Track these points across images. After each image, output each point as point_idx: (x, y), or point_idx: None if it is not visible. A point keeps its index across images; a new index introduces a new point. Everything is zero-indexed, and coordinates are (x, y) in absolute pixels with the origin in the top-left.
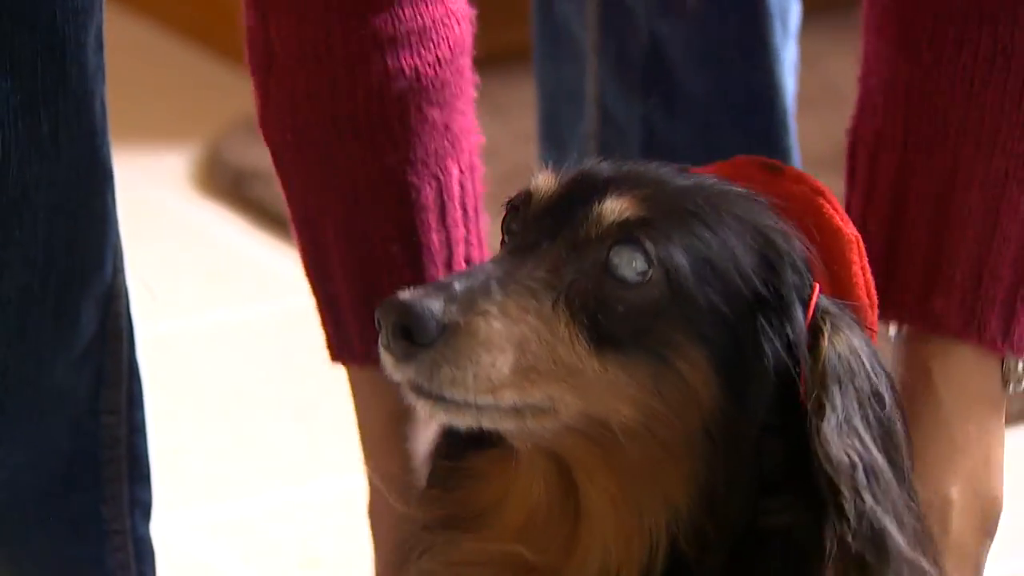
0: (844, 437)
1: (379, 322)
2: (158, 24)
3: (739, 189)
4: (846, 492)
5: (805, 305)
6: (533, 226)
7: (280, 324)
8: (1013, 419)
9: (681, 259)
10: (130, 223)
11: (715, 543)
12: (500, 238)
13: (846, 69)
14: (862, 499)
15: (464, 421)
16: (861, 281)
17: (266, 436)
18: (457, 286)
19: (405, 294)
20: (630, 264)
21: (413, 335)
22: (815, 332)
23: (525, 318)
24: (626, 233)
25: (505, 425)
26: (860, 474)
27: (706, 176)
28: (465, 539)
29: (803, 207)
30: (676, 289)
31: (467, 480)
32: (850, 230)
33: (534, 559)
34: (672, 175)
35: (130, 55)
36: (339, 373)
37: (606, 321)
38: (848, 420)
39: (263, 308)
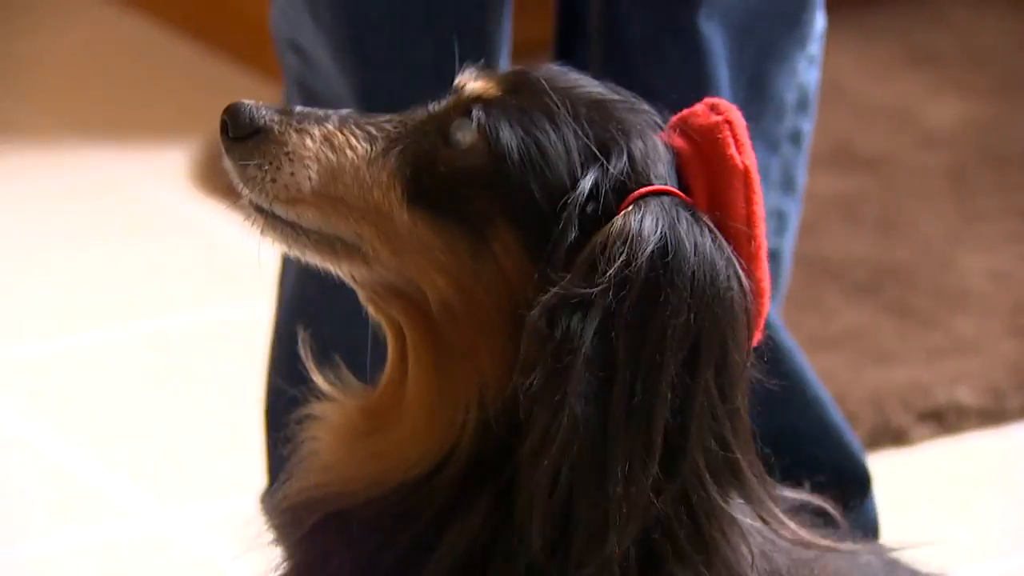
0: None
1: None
2: (158, 22)
3: (620, 97)
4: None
5: (611, 200)
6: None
7: None
8: (1013, 417)
9: (509, 138)
10: (130, 220)
11: (516, 436)
12: None
13: (846, 69)
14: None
15: (280, 239)
16: (741, 211)
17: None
18: (300, 110)
19: (244, 100)
20: (461, 131)
21: (229, 129)
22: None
23: (346, 152)
24: (470, 106)
25: (318, 256)
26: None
27: (595, 83)
28: (319, 406)
29: (704, 134)
30: (497, 164)
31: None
32: (742, 161)
33: (368, 425)
34: (572, 80)
35: (130, 53)
36: None
37: (427, 179)
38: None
39: (263, 305)
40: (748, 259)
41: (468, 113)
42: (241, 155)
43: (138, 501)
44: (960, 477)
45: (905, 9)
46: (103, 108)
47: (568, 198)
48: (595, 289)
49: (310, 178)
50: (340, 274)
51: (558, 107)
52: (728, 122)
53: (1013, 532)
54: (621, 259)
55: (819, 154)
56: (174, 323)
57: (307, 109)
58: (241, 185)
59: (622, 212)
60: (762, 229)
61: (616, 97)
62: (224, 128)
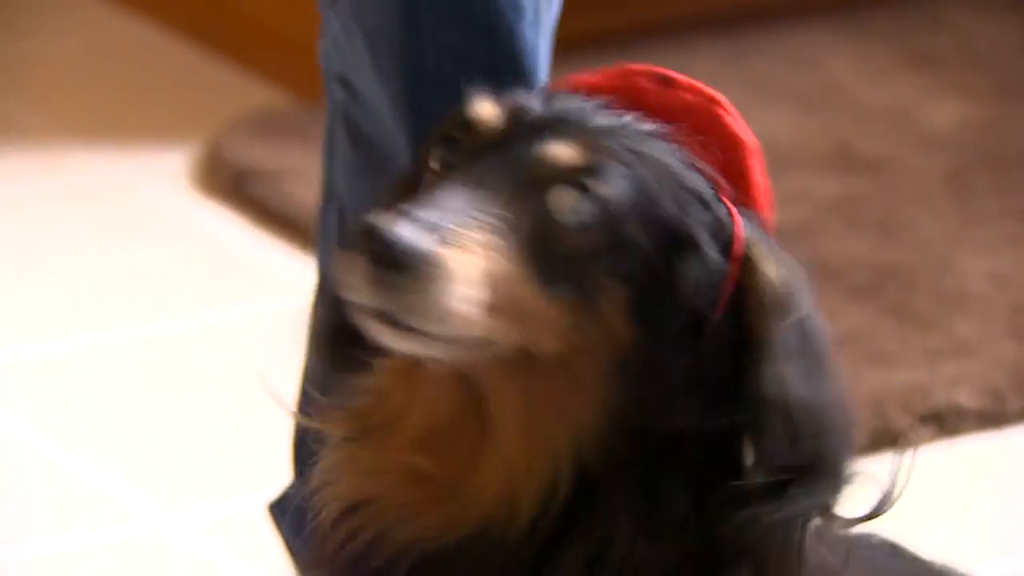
0: (777, 372)
1: (355, 245)
2: (158, 23)
3: (653, 128)
4: (778, 426)
5: (718, 241)
6: (478, 160)
7: (280, 323)
8: (1013, 419)
9: (618, 205)
10: (130, 222)
11: (628, 463)
12: (427, 161)
13: (845, 71)
14: (791, 432)
15: (421, 350)
16: (760, 188)
17: (266, 434)
18: (428, 216)
19: (380, 219)
20: (573, 209)
21: (389, 263)
22: (745, 265)
23: (490, 254)
24: (569, 178)
25: (451, 355)
26: (791, 409)
27: (622, 115)
28: (365, 449)
29: (700, 118)
30: (611, 235)
31: (368, 395)
32: (748, 137)
33: (434, 471)
34: (595, 113)
35: (130, 55)
36: None
37: (551, 262)
38: (781, 354)
39: (263, 307)
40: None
41: (568, 186)
42: (405, 289)
43: (138, 503)
44: (960, 479)
45: (904, 11)
46: (103, 110)
47: (681, 249)
48: (787, 338)
49: (467, 295)
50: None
51: (631, 157)
52: (715, 100)
53: (1012, 534)
54: (790, 303)
55: (818, 156)
56: (174, 325)
57: (432, 213)
58: (392, 310)
59: (755, 256)
60: (771, 198)
61: (647, 130)
62: (374, 259)
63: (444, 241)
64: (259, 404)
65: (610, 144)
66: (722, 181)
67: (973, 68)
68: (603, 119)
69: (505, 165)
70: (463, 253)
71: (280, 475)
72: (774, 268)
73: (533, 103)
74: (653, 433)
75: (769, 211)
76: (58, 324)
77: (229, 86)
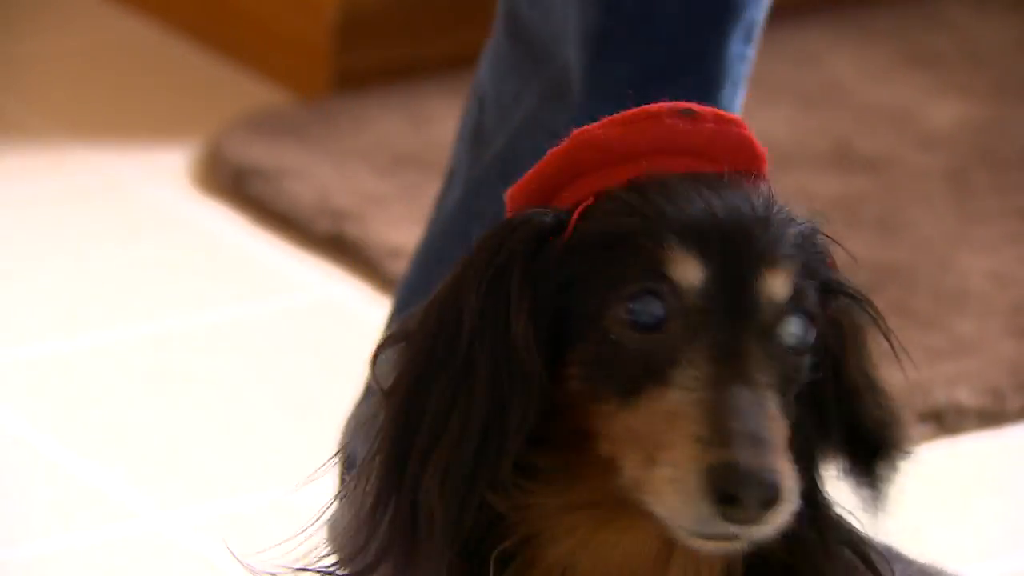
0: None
1: (731, 498)
2: (157, 21)
3: (779, 206)
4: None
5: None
6: (704, 317)
7: (280, 322)
8: (1013, 418)
9: (818, 311)
10: (130, 220)
11: (798, 525)
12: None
13: (845, 70)
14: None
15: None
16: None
17: (266, 433)
18: (756, 429)
19: (750, 461)
20: (798, 333)
21: (767, 503)
22: (836, 312)
23: (782, 431)
24: (792, 309)
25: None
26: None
27: (754, 191)
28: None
29: (729, 144)
30: (819, 339)
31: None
32: (762, 148)
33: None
34: (760, 212)
35: (130, 54)
36: (339, 371)
37: (787, 392)
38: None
39: (263, 306)
40: None
41: (792, 315)
42: (760, 517)
43: (138, 502)
44: (959, 478)
45: (904, 11)
46: (102, 108)
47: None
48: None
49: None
50: None
51: (808, 255)
52: (735, 122)
53: (1012, 533)
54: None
55: (818, 155)
56: (174, 323)
57: (756, 428)
58: (741, 534)
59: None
60: None
61: (787, 213)
62: (760, 505)
63: (776, 450)
64: (259, 402)
65: (792, 250)
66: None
67: (973, 67)
68: (767, 216)
69: (733, 316)
70: (782, 446)
71: (279, 475)
72: (856, 313)
73: (719, 223)
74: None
75: None
76: (58, 323)
77: (229, 85)
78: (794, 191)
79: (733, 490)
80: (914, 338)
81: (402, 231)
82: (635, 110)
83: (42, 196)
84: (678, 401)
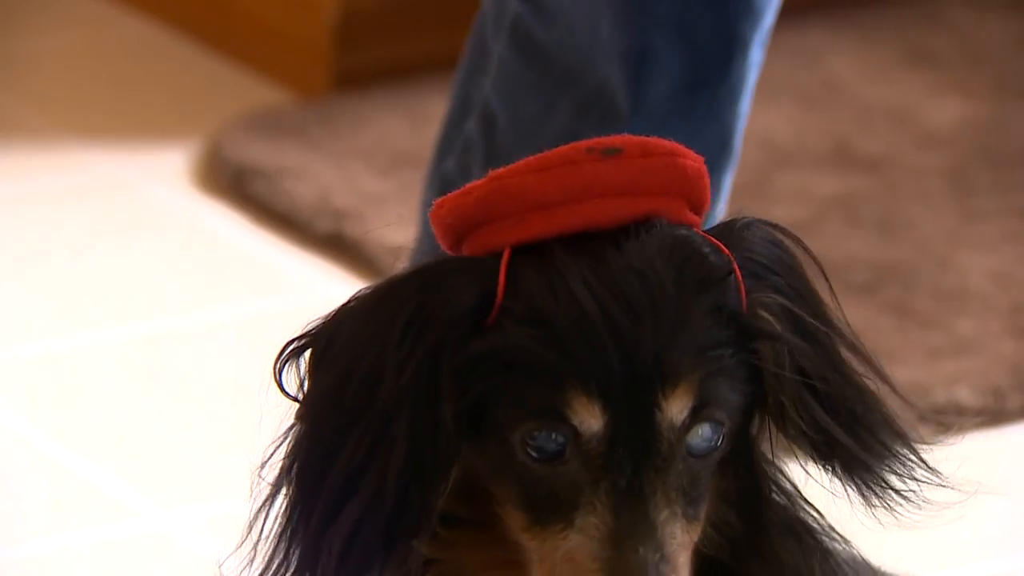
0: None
1: None
2: (158, 21)
3: (666, 244)
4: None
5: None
6: (604, 460)
7: (281, 321)
8: (1013, 418)
9: (732, 400)
10: (129, 219)
11: (739, 526)
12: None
13: (844, 69)
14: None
15: None
16: (709, 200)
17: (266, 433)
18: (652, 557)
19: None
20: (704, 440)
21: None
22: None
23: (685, 563)
24: (694, 420)
25: None
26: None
27: (653, 270)
28: None
29: (658, 177)
30: (731, 427)
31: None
32: (700, 163)
33: None
34: (633, 298)
35: (130, 52)
36: None
37: (696, 493)
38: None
39: (264, 305)
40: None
41: (695, 426)
42: None
43: (137, 501)
44: (959, 477)
45: (904, 9)
46: (102, 107)
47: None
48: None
49: None
50: None
51: (706, 338)
52: (673, 151)
53: (1013, 533)
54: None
55: (818, 154)
56: (173, 323)
57: (645, 542)
58: None
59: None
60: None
61: (677, 273)
62: None
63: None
64: (260, 402)
65: (692, 345)
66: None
67: (973, 66)
68: (668, 299)
69: (636, 458)
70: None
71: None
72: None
73: (618, 344)
74: (754, 493)
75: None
76: (57, 322)
77: (229, 84)
78: (794, 190)
79: None
80: (914, 337)
81: (402, 231)
82: (553, 153)
83: (41, 195)
84: (579, 550)
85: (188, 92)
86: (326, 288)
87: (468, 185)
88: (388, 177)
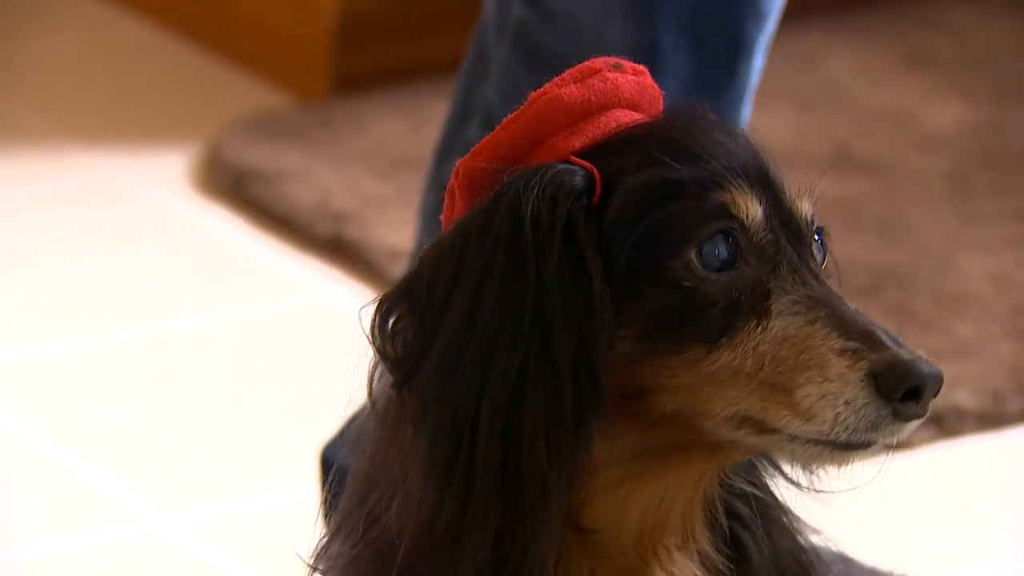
0: None
1: (914, 392)
2: (158, 24)
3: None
4: None
5: None
6: (775, 247)
7: (280, 324)
8: (1012, 421)
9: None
10: (129, 223)
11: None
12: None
13: (844, 72)
14: None
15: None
16: None
17: (266, 436)
18: (891, 333)
19: (916, 356)
20: (818, 249)
21: (938, 391)
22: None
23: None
24: (818, 232)
25: None
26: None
27: (737, 128)
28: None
29: (648, 93)
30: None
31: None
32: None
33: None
34: (743, 141)
35: (129, 56)
36: (338, 374)
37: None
38: None
39: (263, 308)
40: None
41: (818, 238)
42: (927, 409)
43: (138, 504)
44: (959, 480)
45: (903, 12)
46: (101, 111)
47: None
48: None
49: None
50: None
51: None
52: (640, 70)
53: (1012, 536)
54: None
55: (818, 157)
56: (173, 326)
57: (884, 331)
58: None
59: None
60: None
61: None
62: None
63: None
64: (259, 405)
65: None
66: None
67: (972, 69)
68: (748, 143)
69: (795, 245)
70: None
71: (278, 477)
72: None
73: (752, 159)
74: None
75: None
76: (57, 325)
77: (229, 87)
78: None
79: (918, 383)
80: (914, 340)
81: (402, 233)
82: (579, 67)
83: (41, 198)
84: (792, 326)
85: (188, 95)
86: (326, 290)
87: (492, 132)
88: (388, 180)
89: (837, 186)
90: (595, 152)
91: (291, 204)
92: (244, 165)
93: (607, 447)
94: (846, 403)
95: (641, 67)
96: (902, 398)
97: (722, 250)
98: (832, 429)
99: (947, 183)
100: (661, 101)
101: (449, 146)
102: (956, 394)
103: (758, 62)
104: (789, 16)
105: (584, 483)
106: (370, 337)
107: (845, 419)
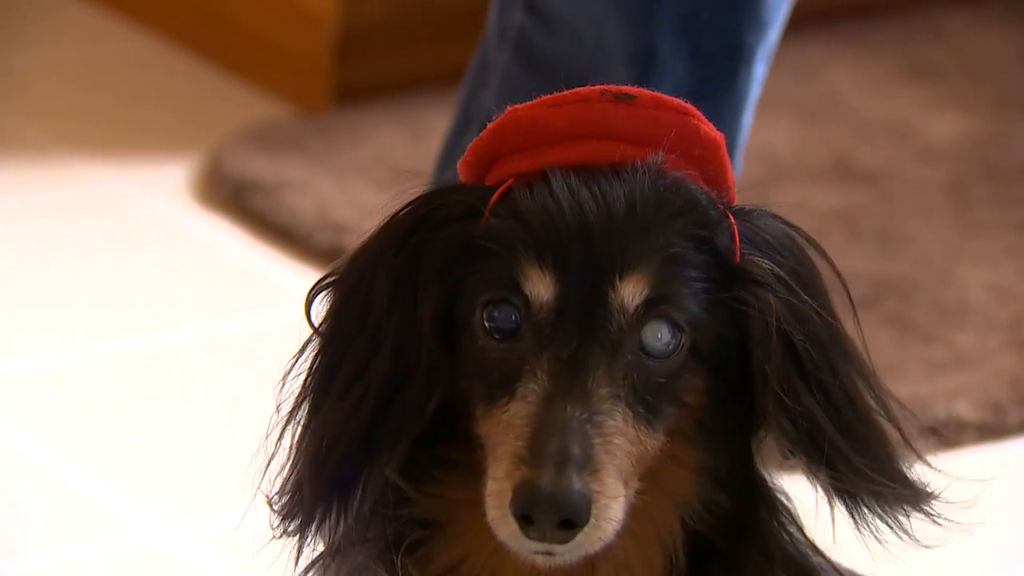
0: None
1: (527, 517)
2: (157, 35)
3: (659, 176)
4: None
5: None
6: (552, 330)
7: (280, 335)
8: (1013, 432)
9: (694, 310)
10: (129, 234)
11: (729, 508)
12: (479, 317)
13: (844, 83)
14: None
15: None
16: (732, 178)
17: (265, 447)
18: (571, 448)
19: (548, 483)
20: (660, 339)
21: (567, 525)
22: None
23: (621, 446)
24: (649, 312)
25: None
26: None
27: (639, 189)
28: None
29: (673, 131)
30: (695, 341)
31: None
32: (716, 133)
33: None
34: (620, 206)
35: (129, 66)
36: None
37: (653, 398)
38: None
39: (263, 319)
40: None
41: (651, 321)
42: (567, 536)
43: (137, 515)
44: (959, 492)
45: (904, 23)
46: (102, 122)
47: (720, 298)
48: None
49: (621, 502)
50: None
51: (670, 242)
52: (685, 110)
53: (1012, 547)
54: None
55: (818, 168)
56: (173, 337)
57: (569, 441)
58: (555, 551)
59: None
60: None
61: (659, 184)
62: (559, 526)
63: (595, 470)
64: (259, 416)
65: (647, 239)
66: (716, 194)
67: (972, 80)
68: (642, 212)
69: (583, 326)
70: (610, 464)
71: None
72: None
73: (583, 230)
74: (744, 472)
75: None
76: (57, 336)
77: (229, 98)
78: (794, 204)
79: (526, 511)
80: (914, 352)
81: None
82: (569, 92)
83: (41, 209)
84: (515, 415)
85: (188, 106)
86: (326, 302)
87: (474, 140)
88: (388, 191)
89: (837, 197)
90: (531, 178)
91: (291, 215)
92: (244, 176)
93: (465, 485)
94: (498, 507)
95: (680, 104)
96: (521, 519)
97: (505, 320)
98: (492, 527)
99: (947, 194)
100: (699, 141)
101: (449, 154)
102: (956, 405)
103: (759, 70)
104: (789, 26)
105: (434, 513)
106: (305, 308)
107: (496, 523)
